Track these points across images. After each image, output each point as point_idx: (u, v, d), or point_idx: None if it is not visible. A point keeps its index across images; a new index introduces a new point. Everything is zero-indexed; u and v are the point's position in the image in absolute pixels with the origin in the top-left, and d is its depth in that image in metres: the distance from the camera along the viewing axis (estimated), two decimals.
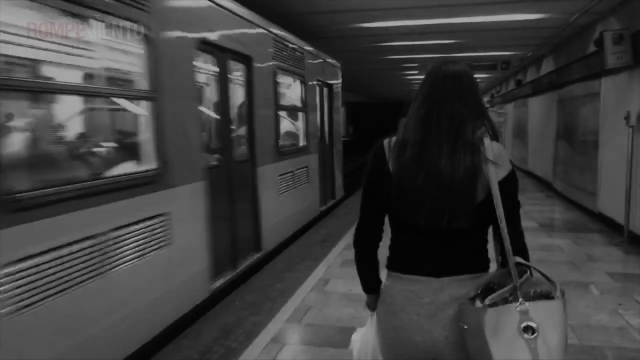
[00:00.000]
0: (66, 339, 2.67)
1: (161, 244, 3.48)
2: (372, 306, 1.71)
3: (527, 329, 1.29)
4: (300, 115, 7.45)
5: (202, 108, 4.50)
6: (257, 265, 5.32)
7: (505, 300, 1.36)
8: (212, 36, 4.35)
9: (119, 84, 3.73)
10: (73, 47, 3.51)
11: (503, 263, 1.50)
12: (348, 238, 6.63)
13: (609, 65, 6.21)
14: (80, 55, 3.65)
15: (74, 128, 3.82)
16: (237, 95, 5.22)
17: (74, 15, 2.79)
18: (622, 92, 6.65)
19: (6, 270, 2.29)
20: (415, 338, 1.49)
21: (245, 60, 5.16)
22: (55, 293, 2.55)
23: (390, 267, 1.60)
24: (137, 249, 3.22)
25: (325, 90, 8.82)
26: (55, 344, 2.60)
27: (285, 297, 4.48)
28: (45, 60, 3.65)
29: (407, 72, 15.59)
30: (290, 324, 3.89)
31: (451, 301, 1.46)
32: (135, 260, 3.20)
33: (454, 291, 1.47)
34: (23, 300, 2.37)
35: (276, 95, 6.07)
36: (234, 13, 4.86)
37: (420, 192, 1.45)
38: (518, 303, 1.34)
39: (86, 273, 2.75)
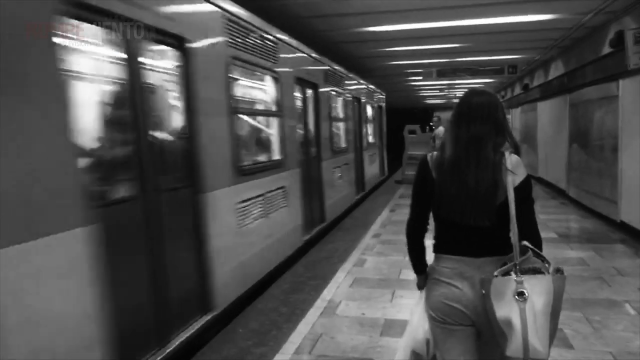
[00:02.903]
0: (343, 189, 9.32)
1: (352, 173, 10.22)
2: (421, 285, 2.14)
3: (520, 295, 1.75)
4: (370, 125, 13.10)
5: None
6: (361, 199, 10.97)
7: (509, 273, 1.80)
8: (356, 94, 10.87)
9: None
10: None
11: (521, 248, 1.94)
12: (357, 254, 6.27)
13: (632, 66, 5.86)
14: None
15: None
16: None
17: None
18: None
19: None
20: (460, 302, 1.91)
21: (358, 100, 11.13)
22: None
23: (438, 250, 2.03)
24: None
25: (379, 109, 14.71)
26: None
27: (292, 323, 4.10)
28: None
29: (411, 77, 15.23)
30: (299, 356, 3.51)
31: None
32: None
33: (488, 268, 1.87)
34: (336, 171, 8.81)
35: (367, 116, 12.44)
36: (364, 84, 12.06)
37: (454, 198, 1.92)
38: (516, 275, 1.78)
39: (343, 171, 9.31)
